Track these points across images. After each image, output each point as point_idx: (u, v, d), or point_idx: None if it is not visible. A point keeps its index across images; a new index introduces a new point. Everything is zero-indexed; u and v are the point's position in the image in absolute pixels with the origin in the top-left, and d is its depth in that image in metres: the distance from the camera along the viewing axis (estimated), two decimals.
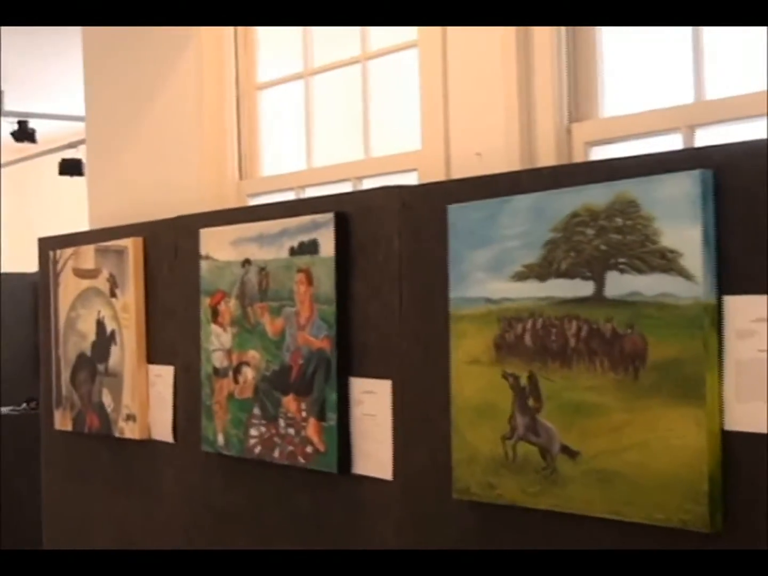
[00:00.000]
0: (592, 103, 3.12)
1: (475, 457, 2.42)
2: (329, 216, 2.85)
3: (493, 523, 2.42)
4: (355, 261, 2.80)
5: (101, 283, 3.86)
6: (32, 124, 7.08)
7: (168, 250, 3.61)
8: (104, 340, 3.86)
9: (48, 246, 4.28)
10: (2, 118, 7.17)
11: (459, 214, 2.50)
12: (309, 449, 2.89)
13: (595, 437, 2.18)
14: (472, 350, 2.44)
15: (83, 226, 4.50)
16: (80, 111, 7.87)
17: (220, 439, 3.25)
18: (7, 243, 11.96)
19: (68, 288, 4.07)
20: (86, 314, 3.96)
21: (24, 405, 6.93)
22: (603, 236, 2.19)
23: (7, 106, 7.23)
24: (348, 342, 2.80)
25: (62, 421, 4.10)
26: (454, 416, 2.48)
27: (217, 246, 3.28)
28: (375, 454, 2.73)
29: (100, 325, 3.88)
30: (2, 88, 7.04)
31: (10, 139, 9.64)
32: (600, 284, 2.20)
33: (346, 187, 3.82)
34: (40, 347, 4.28)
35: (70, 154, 7.93)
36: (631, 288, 2.14)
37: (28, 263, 10.86)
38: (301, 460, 2.93)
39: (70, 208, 10.99)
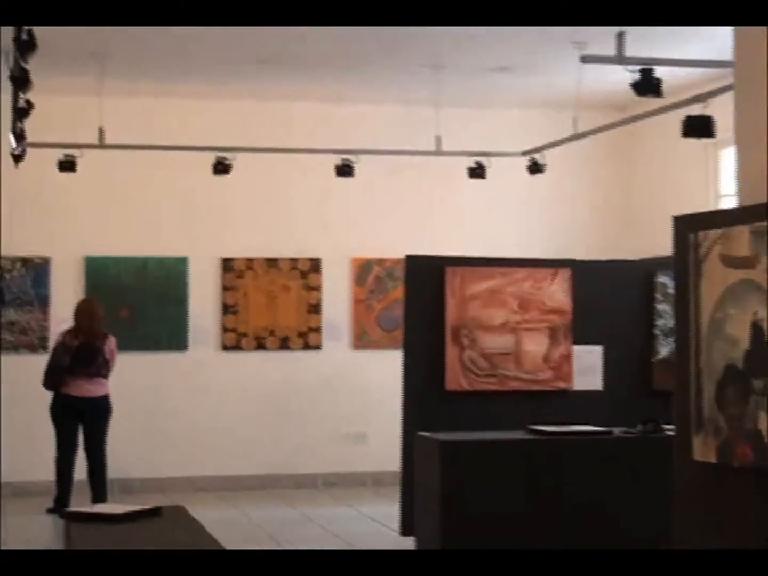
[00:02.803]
0: None
1: None
2: None
3: None
4: None
5: (759, 274, 3.92)
6: (657, 73, 7.32)
7: None
8: (761, 348, 3.92)
9: (687, 227, 4.42)
10: (623, 67, 7.46)
11: None
12: None
13: None
14: None
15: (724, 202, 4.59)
16: (711, 55, 8.02)
17: None
18: (607, 222, 12.49)
19: (713, 280, 4.17)
20: (737, 315, 4.03)
21: (639, 426, 7.23)
22: None
23: (629, 51, 7.51)
24: None
25: (703, 450, 4.21)
26: None
27: None
28: None
29: (756, 329, 3.94)
30: (624, 30, 7.31)
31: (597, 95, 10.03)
32: None
33: None
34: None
35: (696, 110, 8.11)
36: None
37: (631, 248, 11.31)
38: None
39: (701, 178, 11.25)
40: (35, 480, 11.11)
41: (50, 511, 9.98)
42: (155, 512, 5.49)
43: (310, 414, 12.04)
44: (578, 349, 8.98)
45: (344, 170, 10.88)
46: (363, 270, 12.24)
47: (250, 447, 11.92)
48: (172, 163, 11.57)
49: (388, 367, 11.56)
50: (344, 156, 10.86)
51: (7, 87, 8.00)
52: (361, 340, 12.22)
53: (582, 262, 9.36)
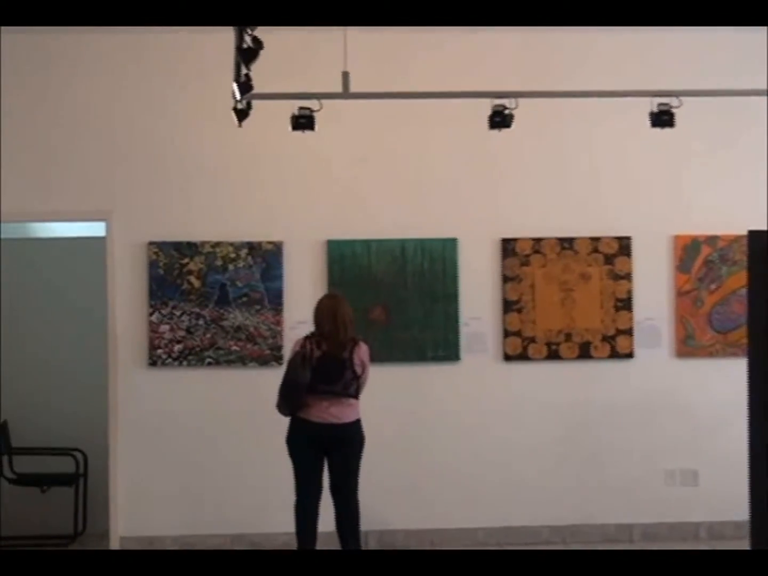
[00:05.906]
0: None
1: None
2: None
3: None
4: None
5: None
6: None
7: None
8: None
9: None
10: None
11: None
12: None
13: None
14: None
15: None
16: None
17: None
18: None
19: None
20: None
21: None
22: None
23: None
24: None
25: None
26: None
27: None
28: None
29: None
30: None
31: None
32: None
33: None
34: None
35: None
36: None
37: None
38: None
39: None
40: (271, 531, 11.43)
41: None
42: None
43: (620, 445, 11.98)
44: None
45: (660, 118, 10.68)
46: (688, 251, 12.11)
47: (543, 488, 11.94)
48: (434, 115, 11.66)
49: (724, 382, 11.46)
50: (661, 100, 10.65)
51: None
52: (687, 346, 12.09)
53: None
